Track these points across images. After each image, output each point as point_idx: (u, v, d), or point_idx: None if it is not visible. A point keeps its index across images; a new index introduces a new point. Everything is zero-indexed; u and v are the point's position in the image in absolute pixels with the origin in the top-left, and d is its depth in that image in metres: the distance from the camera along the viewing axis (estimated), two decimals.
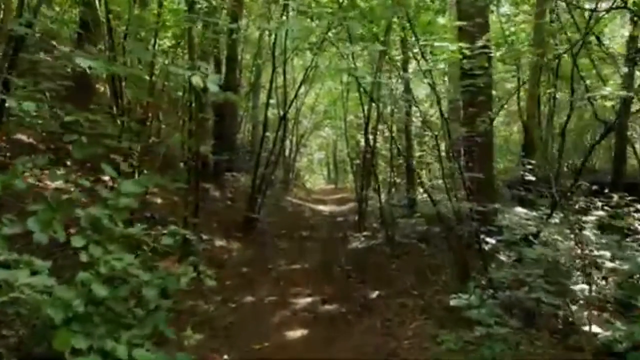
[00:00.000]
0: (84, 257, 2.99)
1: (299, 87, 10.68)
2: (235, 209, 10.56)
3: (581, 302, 4.78)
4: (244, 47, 15.05)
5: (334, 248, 8.91)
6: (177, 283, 3.72)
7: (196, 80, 3.55)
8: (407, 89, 10.84)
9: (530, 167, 8.56)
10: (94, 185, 3.72)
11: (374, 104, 10.16)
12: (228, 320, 4.73)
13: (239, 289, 5.72)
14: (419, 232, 9.55)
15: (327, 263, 7.69)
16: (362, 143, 16.45)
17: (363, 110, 9.71)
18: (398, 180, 12.37)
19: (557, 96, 10.95)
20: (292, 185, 18.12)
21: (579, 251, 6.35)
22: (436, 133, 14.55)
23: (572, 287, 5.00)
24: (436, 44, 6.53)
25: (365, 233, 9.52)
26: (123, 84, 6.71)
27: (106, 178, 6.40)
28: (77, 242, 3.04)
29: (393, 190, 11.53)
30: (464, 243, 6.15)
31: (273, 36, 9.64)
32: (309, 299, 5.46)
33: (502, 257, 7.10)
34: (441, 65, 9.79)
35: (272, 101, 15.82)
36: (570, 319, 4.41)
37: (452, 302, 3.66)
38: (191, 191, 6.26)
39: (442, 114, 6.41)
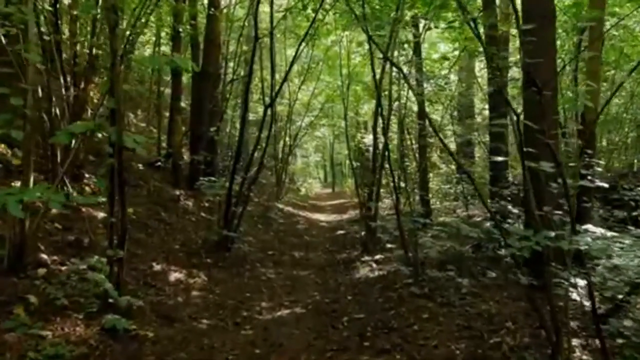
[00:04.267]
0: None
1: (289, 69, 8.42)
2: (209, 223, 8.29)
3: None
4: (229, 31, 12.78)
5: (336, 278, 6.66)
6: None
7: None
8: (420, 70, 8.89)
9: (598, 168, 6.49)
10: None
11: (384, 93, 8.00)
12: None
13: None
14: (445, 252, 7.32)
15: (328, 307, 5.43)
16: (365, 143, 14.31)
17: (377, 93, 7.47)
18: (403, 185, 10.20)
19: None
20: (284, 191, 15.85)
21: None
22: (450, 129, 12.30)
23: None
24: None
25: (377, 256, 7.27)
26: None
27: None
28: None
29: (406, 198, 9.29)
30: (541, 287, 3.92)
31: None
32: None
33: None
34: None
35: (261, 97, 13.66)
36: None
37: None
38: (113, 208, 3.97)
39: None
